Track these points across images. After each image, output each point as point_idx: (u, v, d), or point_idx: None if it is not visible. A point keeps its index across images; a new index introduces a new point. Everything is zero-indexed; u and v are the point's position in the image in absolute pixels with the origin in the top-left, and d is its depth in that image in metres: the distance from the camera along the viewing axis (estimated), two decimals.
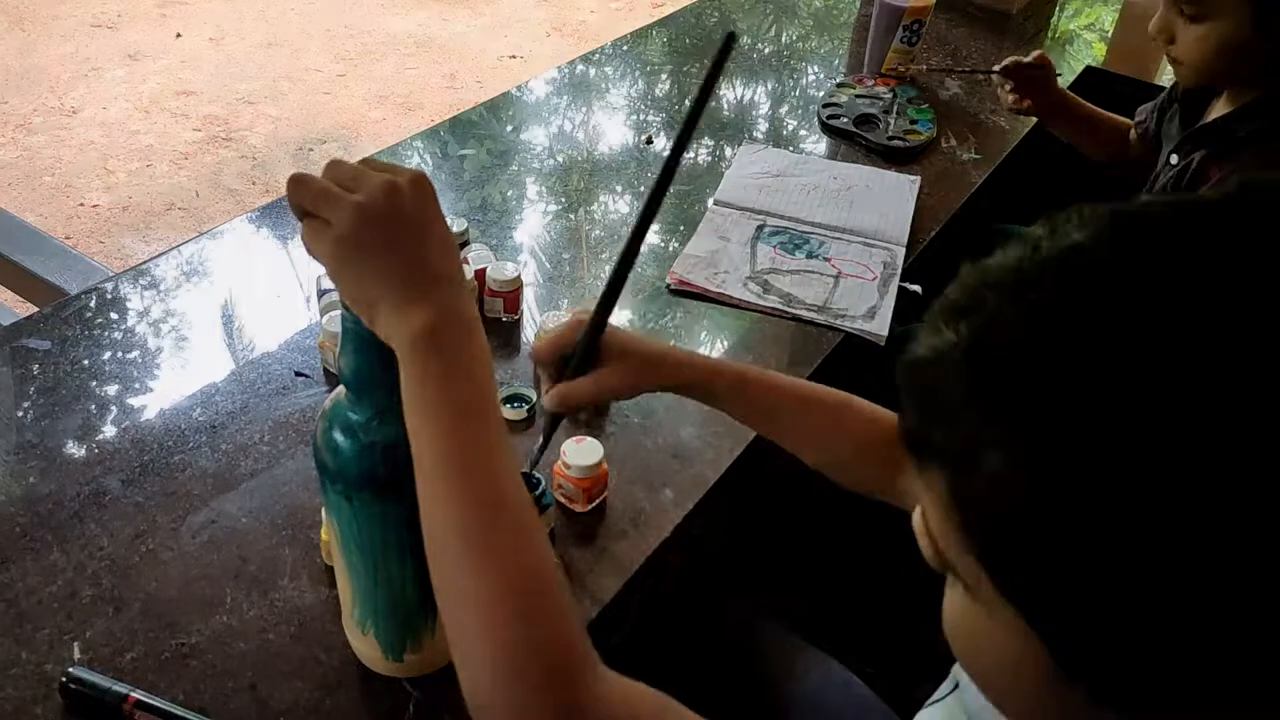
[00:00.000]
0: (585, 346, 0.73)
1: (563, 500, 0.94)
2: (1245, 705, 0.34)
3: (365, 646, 0.77)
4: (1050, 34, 2.10)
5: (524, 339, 1.16)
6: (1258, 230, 0.34)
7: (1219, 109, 1.20)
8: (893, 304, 1.24)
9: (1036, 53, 1.45)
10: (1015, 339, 0.35)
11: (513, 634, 0.50)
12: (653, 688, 0.53)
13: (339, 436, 0.65)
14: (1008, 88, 1.46)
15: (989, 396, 0.35)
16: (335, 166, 0.56)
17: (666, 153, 0.67)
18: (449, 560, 0.52)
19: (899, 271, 1.30)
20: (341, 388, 0.65)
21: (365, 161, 0.58)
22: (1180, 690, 0.34)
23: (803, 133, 1.64)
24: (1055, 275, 0.36)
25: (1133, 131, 1.46)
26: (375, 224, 0.53)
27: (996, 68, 1.47)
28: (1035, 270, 0.36)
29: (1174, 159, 1.24)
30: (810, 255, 1.32)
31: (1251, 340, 0.32)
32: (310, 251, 0.55)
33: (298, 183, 0.54)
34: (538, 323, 1.11)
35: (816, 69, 1.87)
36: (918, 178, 1.49)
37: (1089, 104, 1.51)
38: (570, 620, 0.52)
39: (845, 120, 1.62)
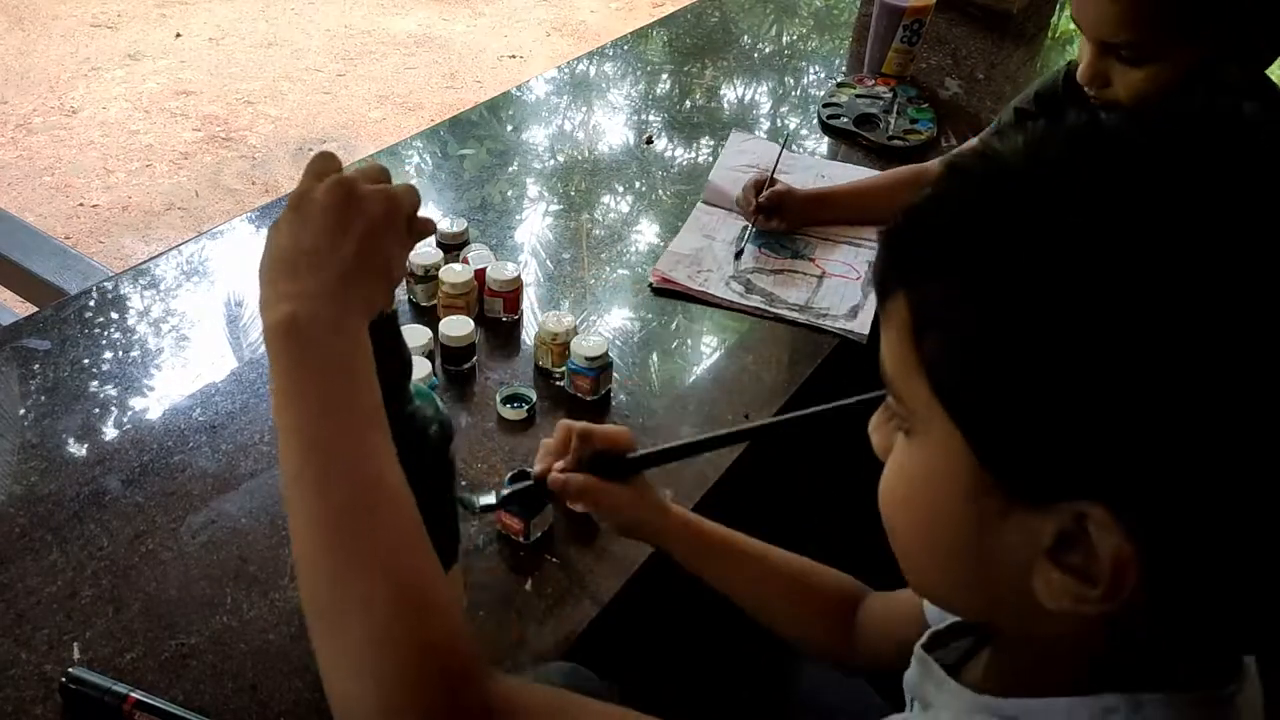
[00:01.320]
0: (634, 463, 0.79)
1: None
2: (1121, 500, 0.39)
3: None
4: (1050, 34, 2.10)
5: (524, 339, 1.16)
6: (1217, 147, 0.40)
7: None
8: (875, 303, 1.23)
9: (767, 192, 1.33)
10: (992, 196, 0.42)
11: (398, 646, 0.47)
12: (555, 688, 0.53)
13: None
14: (774, 223, 1.34)
15: (952, 227, 0.42)
16: (323, 154, 0.58)
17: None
18: (321, 566, 0.49)
19: None
20: None
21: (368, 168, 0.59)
22: (1083, 465, 0.39)
23: (804, 132, 1.64)
24: (1024, 154, 0.42)
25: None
26: (304, 209, 0.54)
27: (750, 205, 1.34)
28: (1041, 153, 0.42)
29: None
30: (795, 255, 1.32)
31: (1179, 201, 0.38)
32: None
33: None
34: (538, 322, 1.11)
35: (817, 69, 1.87)
36: None
37: (855, 182, 1.42)
38: (459, 622, 0.50)
39: (845, 120, 1.62)
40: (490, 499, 0.84)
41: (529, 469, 0.83)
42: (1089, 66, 1.05)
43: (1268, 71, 1.07)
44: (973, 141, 1.39)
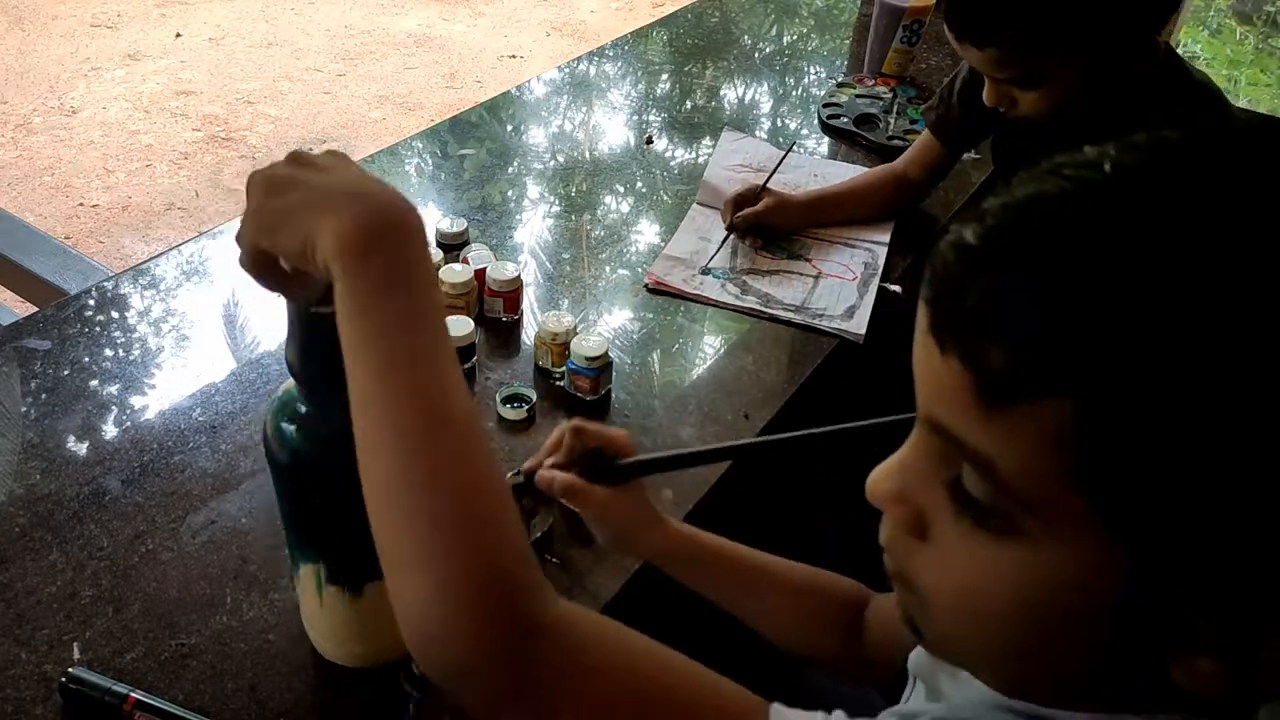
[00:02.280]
0: (623, 469, 0.75)
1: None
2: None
3: (316, 634, 0.78)
4: None
5: (524, 339, 1.16)
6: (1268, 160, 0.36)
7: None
8: (872, 304, 1.24)
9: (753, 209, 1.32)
10: (1124, 254, 0.35)
11: (459, 556, 0.47)
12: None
13: (287, 427, 0.65)
14: (747, 242, 1.33)
15: (1130, 314, 0.35)
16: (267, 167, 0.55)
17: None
18: (385, 483, 0.48)
19: (880, 271, 1.30)
20: (291, 380, 0.66)
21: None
22: (1262, 592, 0.35)
23: (804, 132, 1.64)
24: (1131, 191, 0.36)
25: (930, 141, 1.36)
26: (277, 176, 0.51)
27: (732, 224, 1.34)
28: (1106, 189, 0.37)
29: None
30: (791, 255, 1.32)
31: None
32: (248, 253, 0.53)
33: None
34: (538, 322, 1.11)
35: (817, 69, 1.87)
36: None
37: (839, 185, 1.41)
38: (520, 540, 0.49)
39: (845, 120, 1.62)
40: None
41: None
42: (990, 95, 1.09)
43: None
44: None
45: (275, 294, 0.56)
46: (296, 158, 0.53)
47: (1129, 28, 1.01)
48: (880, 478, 0.45)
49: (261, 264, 0.52)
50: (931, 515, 0.43)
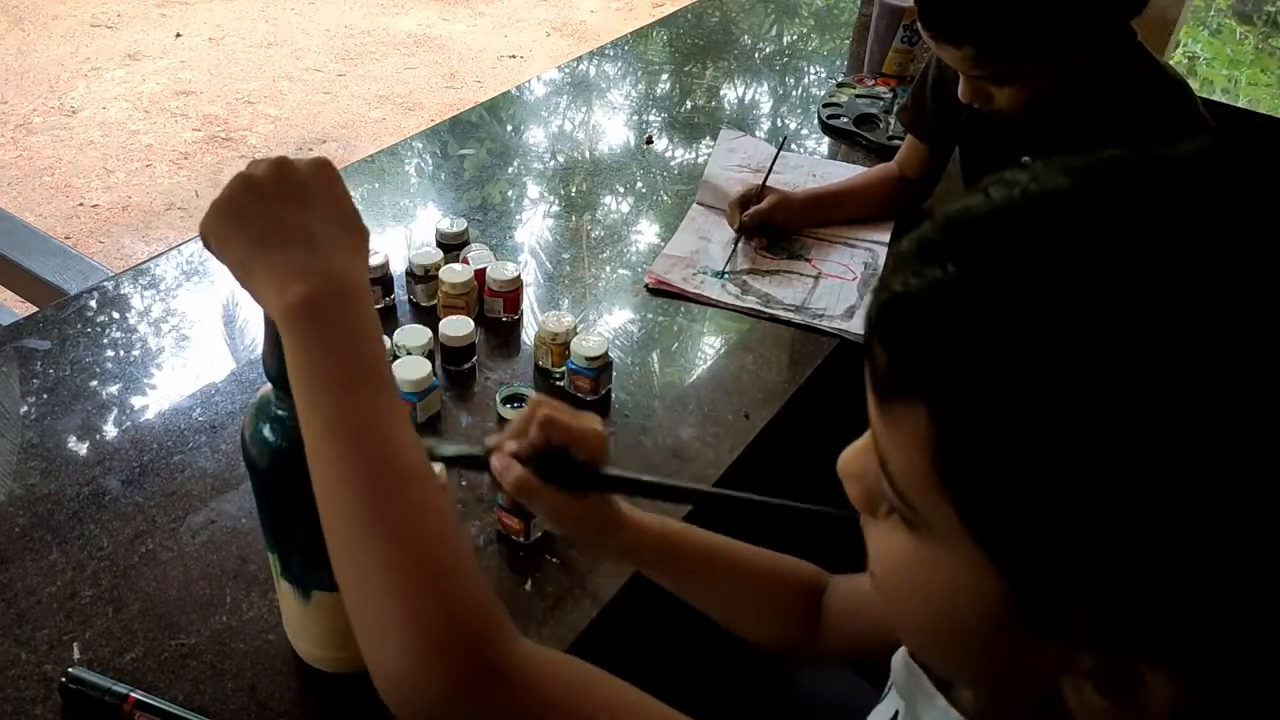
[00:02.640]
0: (585, 479, 0.67)
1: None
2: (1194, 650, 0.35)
3: (294, 637, 0.78)
4: None
5: (524, 339, 1.16)
6: (1234, 185, 0.36)
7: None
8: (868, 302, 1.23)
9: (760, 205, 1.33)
10: (1003, 270, 0.36)
11: (425, 603, 0.48)
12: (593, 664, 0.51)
13: (266, 432, 0.65)
14: (753, 243, 1.34)
15: (982, 330, 0.36)
16: (253, 164, 0.56)
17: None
18: (348, 535, 0.49)
19: (879, 271, 1.30)
20: (267, 385, 0.66)
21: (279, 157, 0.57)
22: (1130, 626, 0.36)
23: (804, 132, 1.64)
24: (1040, 214, 0.37)
25: (914, 147, 1.37)
26: (254, 190, 0.53)
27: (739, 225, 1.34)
28: (1022, 208, 0.38)
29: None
30: (791, 255, 1.32)
31: (1227, 274, 0.33)
32: (204, 240, 0.55)
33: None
34: (538, 322, 1.11)
35: (817, 69, 1.87)
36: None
37: (839, 183, 1.42)
38: (482, 585, 0.50)
39: (845, 120, 1.62)
40: (438, 450, 0.70)
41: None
42: (965, 91, 1.09)
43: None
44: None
45: None
46: (282, 172, 0.54)
47: (1101, 25, 1.02)
48: (845, 455, 0.48)
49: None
50: (877, 498, 0.45)
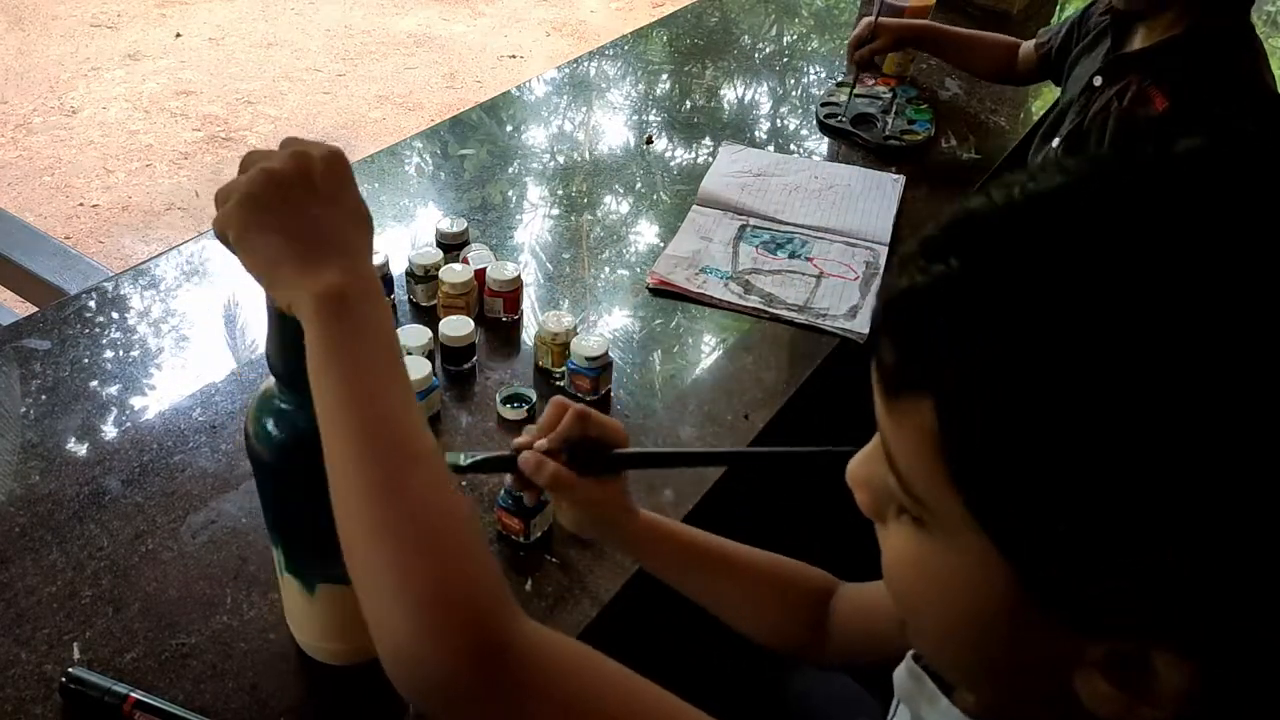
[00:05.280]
0: (618, 460, 0.73)
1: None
2: (1203, 629, 0.36)
3: (298, 631, 0.78)
4: None
5: (524, 339, 1.16)
6: (1227, 181, 0.36)
7: (1141, 38, 1.27)
8: (874, 303, 1.24)
9: (868, 48, 1.59)
10: (1005, 266, 0.37)
11: (430, 578, 0.48)
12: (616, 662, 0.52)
13: (269, 426, 0.65)
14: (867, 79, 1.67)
15: (983, 319, 0.37)
16: (249, 155, 0.56)
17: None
18: (360, 512, 0.50)
19: (881, 271, 1.30)
20: (271, 379, 0.66)
21: (289, 140, 0.57)
22: (1140, 609, 0.36)
23: (803, 132, 1.64)
24: (1039, 211, 0.38)
25: (1032, 50, 1.56)
26: (281, 187, 0.53)
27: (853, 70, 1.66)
28: (1022, 206, 0.39)
29: (1098, 81, 1.31)
30: (793, 255, 1.32)
31: (1219, 267, 0.34)
32: (217, 233, 0.55)
33: (219, 194, 0.56)
34: (538, 322, 1.11)
35: (817, 69, 1.87)
36: (901, 176, 1.49)
37: (961, 29, 1.65)
38: (490, 565, 0.51)
39: (843, 120, 1.62)
40: (461, 460, 0.76)
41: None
42: None
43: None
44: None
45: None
46: (301, 165, 0.54)
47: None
48: (853, 463, 0.48)
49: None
50: (885, 501, 0.46)
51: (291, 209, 0.54)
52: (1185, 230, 0.35)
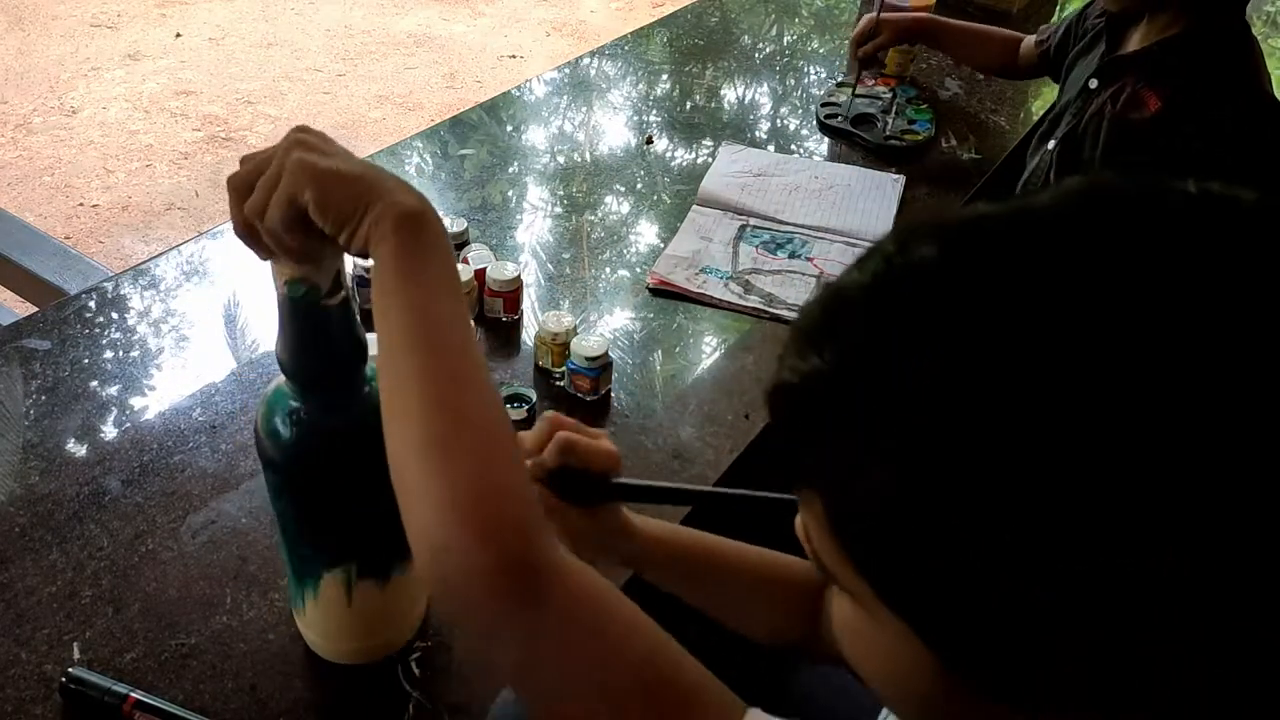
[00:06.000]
0: (605, 491, 0.69)
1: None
2: (1121, 703, 0.35)
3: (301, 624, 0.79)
4: None
5: (524, 339, 1.16)
6: (1092, 238, 0.35)
7: (1137, 40, 1.26)
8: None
9: (870, 44, 1.60)
10: (873, 362, 0.36)
11: (473, 485, 0.48)
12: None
13: (277, 422, 0.65)
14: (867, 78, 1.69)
15: (853, 420, 0.37)
16: (248, 156, 0.58)
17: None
18: (416, 428, 0.51)
19: None
20: (281, 378, 0.66)
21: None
22: (1058, 686, 0.35)
23: (804, 133, 1.64)
24: (906, 292, 0.37)
25: (1033, 46, 1.56)
26: (316, 143, 0.56)
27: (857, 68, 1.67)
28: (887, 288, 0.38)
29: (1093, 83, 1.31)
30: (792, 255, 1.32)
31: (1102, 343, 0.33)
32: (239, 230, 0.57)
33: (231, 180, 0.58)
34: (538, 322, 1.11)
35: (817, 69, 1.87)
36: (901, 176, 1.49)
37: (963, 23, 1.64)
38: (528, 483, 0.51)
39: (843, 120, 1.62)
40: None
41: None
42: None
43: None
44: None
45: (266, 260, 0.59)
46: (305, 128, 0.57)
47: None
48: (797, 523, 0.47)
49: (289, 219, 0.55)
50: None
51: (340, 152, 0.56)
52: (1064, 302, 0.34)
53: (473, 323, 0.55)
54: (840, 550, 0.39)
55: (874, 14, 1.58)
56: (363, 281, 1.13)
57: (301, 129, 0.57)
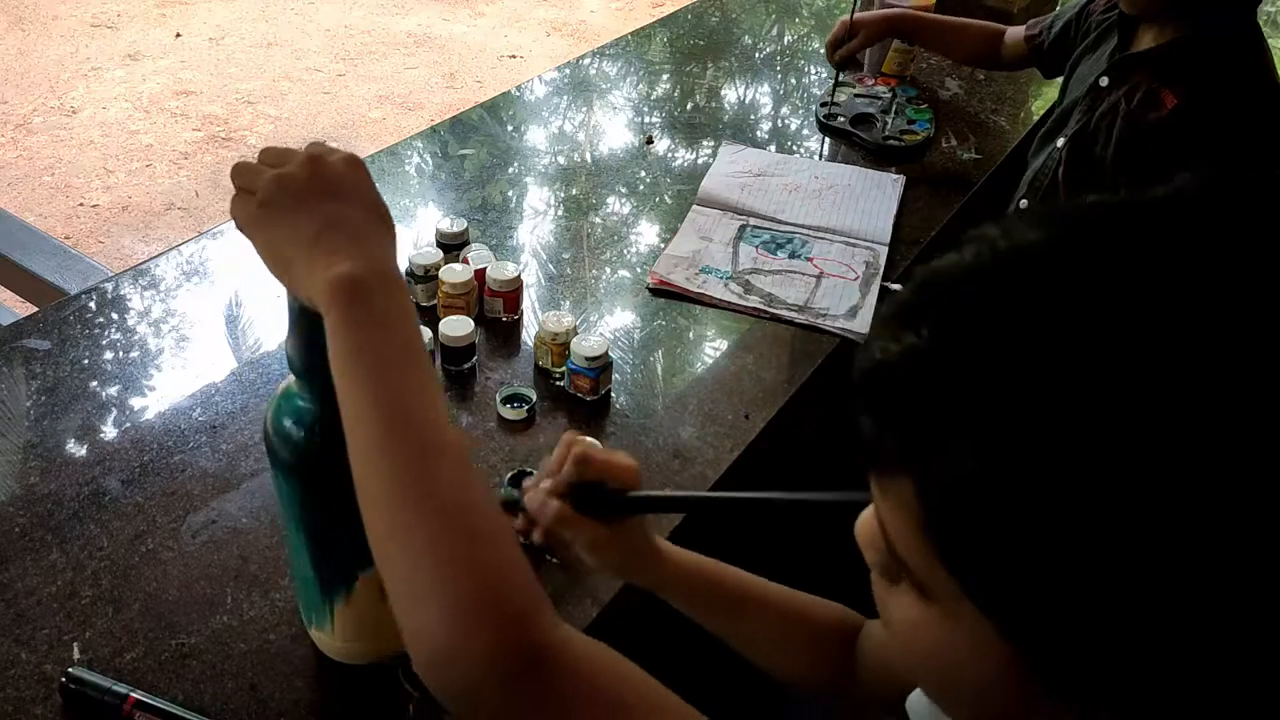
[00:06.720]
0: (623, 504, 0.69)
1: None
2: (1208, 704, 0.35)
3: (317, 632, 0.78)
4: None
5: (524, 339, 1.16)
6: (1203, 231, 0.35)
7: (1149, 38, 1.26)
8: (875, 304, 1.24)
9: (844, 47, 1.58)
10: (976, 338, 0.36)
11: (465, 580, 0.47)
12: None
13: (288, 422, 0.65)
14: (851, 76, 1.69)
15: (954, 397, 0.36)
16: (268, 151, 0.57)
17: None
18: (389, 507, 0.49)
19: (881, 271, 1.30)
20: (290, 378, 0.66)
21: (313, 145, 0.58)
22: (1140, 683, 0.35)
23: (804, 132, 1.64)
24: (1011, 273, 0.37)
25: (1022, 39, 1.54)
26: (291, 190, 0.54)
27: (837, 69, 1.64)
28: (993, 269, 0.37)
29: (1104, 81, 1.31)
30: (793, 255, 1.32)
31: (1206, 334, 0.33)
32: (236, 223, 0.56)
33: (236, 166, 0.56)
34: (538, 322, 1.11)
35: (817, 69, 1.87)
36: (901, 176, 1.49)
37: (940, 16, 1.62)
38: (523, 565, 0.50)
39: (843, 120, 1.62)
40: None
41: (529, 469, 0.81)
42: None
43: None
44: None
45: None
46: (316, 169, 0.55)
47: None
48: (859, 522, 0.47)
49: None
50: (890, 564, 0.44)
51: (302, 209, 0.54)
52: (1172, 288, 0.33)
53: (434, 369, 0.53)
54: (926, 541, 0.38)
55: (846, 17, 1.57)
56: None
57: (314, 157, 0.56)
